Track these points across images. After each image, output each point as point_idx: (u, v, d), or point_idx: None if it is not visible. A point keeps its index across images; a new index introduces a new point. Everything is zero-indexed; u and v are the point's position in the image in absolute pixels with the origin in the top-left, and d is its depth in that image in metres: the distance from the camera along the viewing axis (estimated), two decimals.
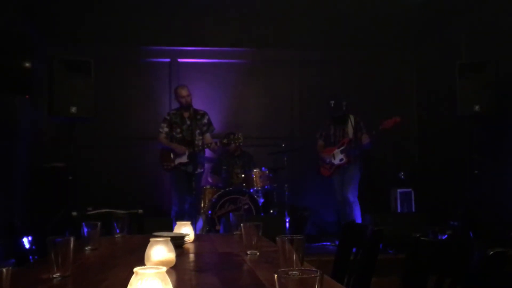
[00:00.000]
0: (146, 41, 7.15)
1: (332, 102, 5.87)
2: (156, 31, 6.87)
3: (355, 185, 5.81)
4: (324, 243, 5.73)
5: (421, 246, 1.60)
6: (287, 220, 5.96)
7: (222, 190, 5.93)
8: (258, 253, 2.05)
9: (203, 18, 6.62)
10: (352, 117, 5.86)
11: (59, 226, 4.94)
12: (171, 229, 2.68)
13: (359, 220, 5.71)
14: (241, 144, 6.02)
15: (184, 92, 5.83)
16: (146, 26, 6.75)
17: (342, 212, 5.95)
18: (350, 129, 5.80)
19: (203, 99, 6.67)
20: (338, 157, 5.83)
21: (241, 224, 2.14)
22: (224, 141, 5.83)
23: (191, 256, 2.21)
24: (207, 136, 5.94)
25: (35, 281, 1.61)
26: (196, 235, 2.68)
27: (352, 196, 5.76)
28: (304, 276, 1.02)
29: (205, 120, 5.96)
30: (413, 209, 6.42)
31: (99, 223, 2.33)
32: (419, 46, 7.55)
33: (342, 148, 5.81)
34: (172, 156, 5.82)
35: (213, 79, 7.34)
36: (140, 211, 5.61)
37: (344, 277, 2.14)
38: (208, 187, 6.28)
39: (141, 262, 1.71)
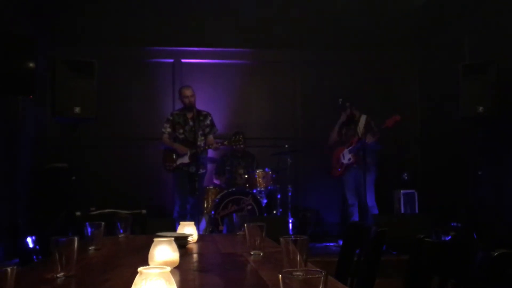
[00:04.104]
0: (149, 41, 7.16)
1: (340, 99, 5.92)
2: (159, 31, 6.88)
3: (372, 187, 5.81)
4: (328, 244, 5.74)
5: (425, 247, 1.60)
6: (290, 220, 5.96)
7: (225, 191, 5.95)
8: (261, 254, 2.04)
9: (206, 18, 6.62)
10: (364, 117, 5.89)
11: (63, 226, 4.95)
12: (174, 230, 2.68)
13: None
14: (241, 145, 6.03)
15: (188, 92, 5.84)
16: (149, 26, 6.75)
17: (350, 214, 5.93)
18: (360, 129, 5.82)
19: (206, 99, 6.68)
20: (346, 157, 5.87)
21: (245, 225, 2.14)
22: (225, 143, 5.83)
23: (195, 256, 2.21)
24: (210, 137, 5.94)
25: (39, 280, 1.61)
26: (199, 236, 2.68)
27: (371, 200, 5.76)
28: (308, 276, 1.02)
29: (208, 121, 5.97)
30: (417, 210, 6.41)
31: (103, 223, 2.33)
32: (422, 47, 7.54)
33: (350, 148, 5.84)
34: (174, 156, 5.83)
35: (216, 79, 7.35)
36: (143, 211, 5.64)
37: (348, 278, 2.14)
38: (211, 187, 6.30)
39: (144, 262, 1.71)
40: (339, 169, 5.97)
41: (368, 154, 5.75)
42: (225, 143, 5.84)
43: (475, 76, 5.52)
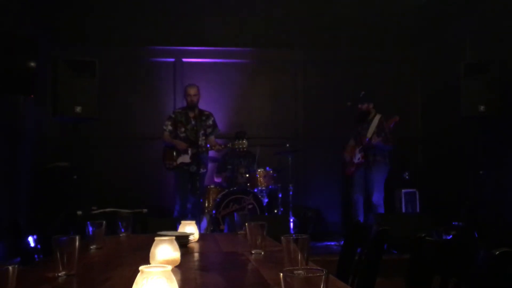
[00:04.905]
0: (150, 41, 7.16)
1: (362, 92, 5.93)
2: (160, 31, 6.88)
3: (380, 186, 5.78)
4: (329, 243, 5.73)
5: (426, 246, 1.60)
6: (292, 219, 5.96)
7: (226, 190, 5.95)
8: (262, 253, 2.05)
9: (207, 17, 6.62)
10: (378, 117, 5.86)
11: (64, 225, 4.95)
12: (175, 229, 2.68)
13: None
14: (245, 148, 6.03)
15: (192, 91, 5.84)
16: (150, 26, 6.75)
17: (355, 212, 5.91)
18: (371, 129, 5.80)
19: (208, 98, 6.68)
20: (357, 156, 5.87)
21: (246, 224, 2.14)
22: (229, 145, 5.84)
23: (196, 255, 2.21)
24: (212, 138, 5.94)
25: (41, 279, 1.61)
26: (200, 235, 2.68)
27: (378, 199, 5.74)
28: (309, 275, 1.02)
29: (210, 122, 5.96)
30: (418, 210, 6.40)
31: (104, 222, 2.34)
32: (423, 46, 7.53)
33: (360, 147, 5.83)
34: (174, 154, 5.82)
35: (217, 78, 7.34)
36: (145, 210, 5.64)
37: (349, 277, 2.14)
38: (212, 186, 6.29)
39: (146, 261, 1.71)
40: (352, 169, 5.96)
41: (378, 153, 5.74)
42: (228, 145, 5.83)
43: (476, 75, 5.51)
